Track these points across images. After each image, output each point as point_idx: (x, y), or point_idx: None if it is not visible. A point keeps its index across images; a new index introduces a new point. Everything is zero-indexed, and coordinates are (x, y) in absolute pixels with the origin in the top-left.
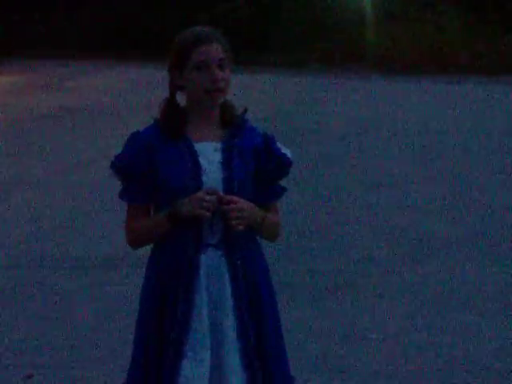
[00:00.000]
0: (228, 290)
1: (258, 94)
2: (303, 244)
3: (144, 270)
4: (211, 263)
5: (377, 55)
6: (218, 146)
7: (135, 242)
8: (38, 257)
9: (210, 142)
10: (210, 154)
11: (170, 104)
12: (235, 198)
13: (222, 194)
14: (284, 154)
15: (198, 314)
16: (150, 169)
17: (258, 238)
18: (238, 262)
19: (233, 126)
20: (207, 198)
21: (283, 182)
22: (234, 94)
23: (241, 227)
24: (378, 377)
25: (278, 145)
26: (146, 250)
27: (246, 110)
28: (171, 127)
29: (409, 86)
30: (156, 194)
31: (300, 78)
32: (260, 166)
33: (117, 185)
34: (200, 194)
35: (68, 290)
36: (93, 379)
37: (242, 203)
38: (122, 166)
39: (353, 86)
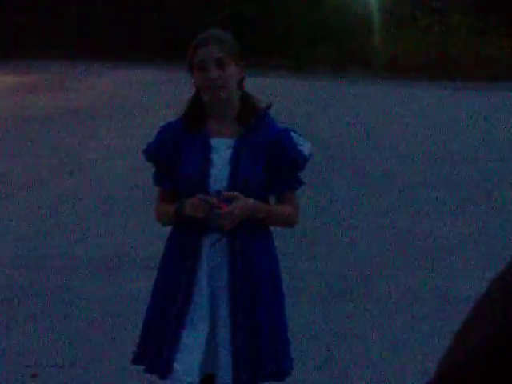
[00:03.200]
0: (225, 271)
1: (264, 97)
2: (303, 247)
3: (147, 271)
4: (213, 246)
5: (383, 60)
6: (232, 142)
7: (159, 221)
8: (41, 256)
9: (224, 139)
10: (222, 150)
11: (193, 100)
12: (233, 196)
13: (213, 200)
14: (299, 151)
15: (199, 289)
16: (173, 158)
17: (269, 228)
18: (238, 248)
19: (251, 122)
20: (202, 203)
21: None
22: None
23: (227, 228)
24: (377, 380)
25: (296, 140)
26: (150, 252)
27: (269, 106)
28: (190, 122)
29: (415, 91)
30: (176, 182)
31: (305, 81)
32: (272, 161)
33: (123, 186)
34: (196, 199)
35: (73, 289)
36: (96, 378)
37: (234, 205)
38: (150, 154)
39: (358, 90)
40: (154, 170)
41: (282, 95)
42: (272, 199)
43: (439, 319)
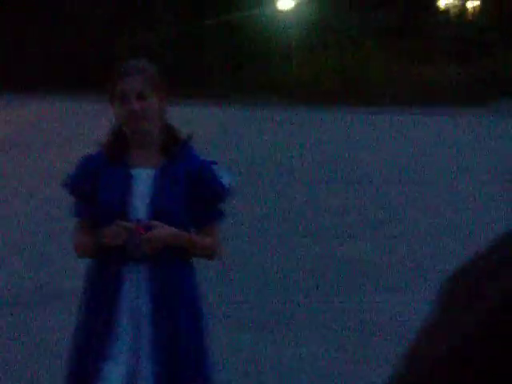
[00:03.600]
0: (146, 302)
1: (180, 126)
2: (228, 274)
3: (68, 304)
4: (133, 275)
5: (298, 86)
6: (153, 173)
7: (78, 253)
8: None
9: (145, 169)
10: (143, 180)
11: (114, 131)
12: (152, 224)
13: (131, 225)
14: (220, 183)
15: (120, 322)
16: (93, 188)
17: (190, 257)
18: (159, 277)
19: (172, 152)
20: (120, 230)
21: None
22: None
23: (148, 252)
24: None
25: (217, 172)
26: (70, 285)
27: (190, 137)
28: (111, 153)
29: (329, 116)
30: (96, 212)
31: (220, 110)
32: (193, 192)
33: (40, 219)
34: (113, 227)
35: None
36: None
37: (154, 232)
38: (70, 185)
39: (272, 116)
40: (73, 201)
41: (193, 124)
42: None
43: (364, 344)
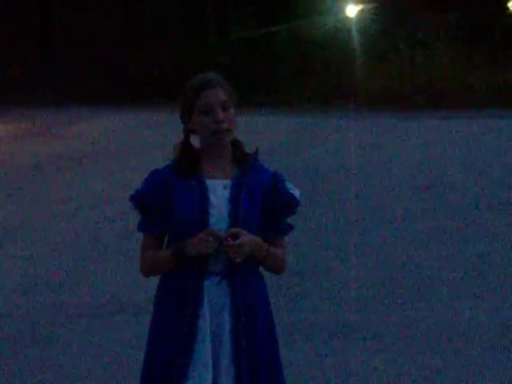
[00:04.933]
0: (227, 316)
1: (249, 135)
2: (299, 283)
3: (143, 316)
4: (214, 289)
5: (368, 93)
6: (228, 183)
7: (146, 271)
8: (36, 305)
9: (220, 180)
10: (219, 190)
11: (184, 147)
12: (238, 231)
13: (221, 234)
14: (291, 194)
15: (202, 338)
16: (165, 203)
17: (260, 269)
18: (239, 290)
19: (244, 164)
20: (210, 239)
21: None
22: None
23: (238, 259)
24: None
25: (287, 184)
26: (146, 297)
27: (257, 150)
28: (184, 168)
29: (401, 123)
30: (170, 226)
31: (289, 118)
32: (267, 203)
33: (114, 231)
34: (202, 235)
35: (67, 338)
36: None
37: (243, 238)
38: (140, 199)
39: (344, 124)
40: (140, 216)
41: (265, 132)
42: None
43: (434, 353)
